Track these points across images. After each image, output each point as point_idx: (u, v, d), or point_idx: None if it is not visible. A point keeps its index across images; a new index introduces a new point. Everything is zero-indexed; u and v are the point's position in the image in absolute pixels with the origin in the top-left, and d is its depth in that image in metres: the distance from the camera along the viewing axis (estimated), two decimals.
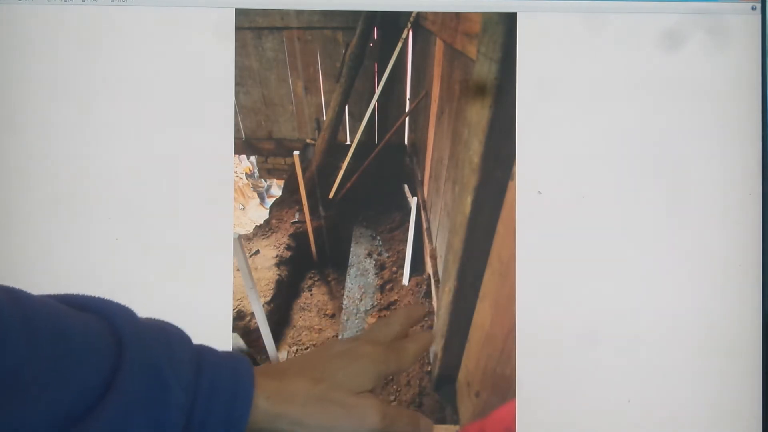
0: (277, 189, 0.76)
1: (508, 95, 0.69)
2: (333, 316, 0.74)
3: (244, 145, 0.73)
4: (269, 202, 0.76)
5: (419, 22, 0.72)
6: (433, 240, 0.76)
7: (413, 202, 0.75)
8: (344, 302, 0.74)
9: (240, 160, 0.74)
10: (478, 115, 0.70)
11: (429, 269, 0.75)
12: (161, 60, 0.70)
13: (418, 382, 0.72)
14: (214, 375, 0.41)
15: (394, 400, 0.72)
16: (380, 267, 0.75)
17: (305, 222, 0.75)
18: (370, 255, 0.75)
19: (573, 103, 0.69)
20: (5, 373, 0.35)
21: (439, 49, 0.74)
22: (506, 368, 0.69)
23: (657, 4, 0.69)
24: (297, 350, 0.73)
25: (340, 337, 0.74)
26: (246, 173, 0.75)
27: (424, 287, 0.74)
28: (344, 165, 0.75)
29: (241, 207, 0.74)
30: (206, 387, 0.40)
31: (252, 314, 0.72)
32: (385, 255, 0.75)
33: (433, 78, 0.75)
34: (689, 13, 0.69)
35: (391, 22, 0.72)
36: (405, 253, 0.75)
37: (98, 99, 0.70)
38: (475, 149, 0.70)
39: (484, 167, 0.70)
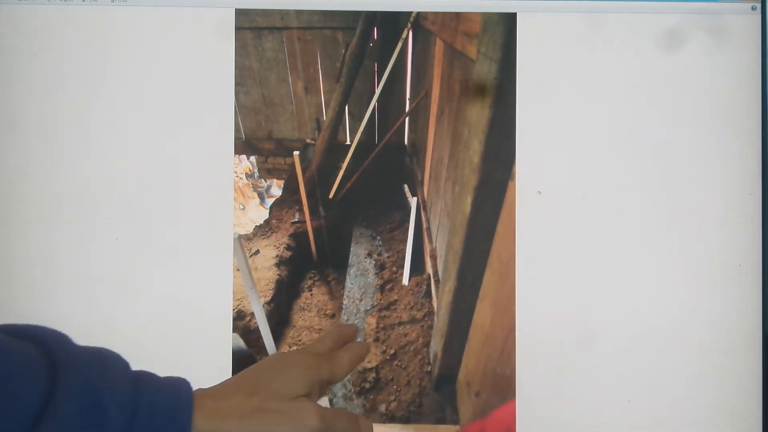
0: (277, 189, 0.76)
1: (508, 95, 0.69)
2: (333, 316, 0.74)
3: (244, 145, 0.73)
4: (269, 202, 0.76)
5: (419, 22, 0.72)
6: (433, 240, 0.76)
7: (413, 202, 0.75)
8: (344, 302, 0.74)
9: (240, 160, 0.74)
10: (478, 115, 0.70)
11: (429, 269, 0.75)
12: (161, 60, 0.70)
13: (418, 382, 0.72)
14: (153, 396, 0.41)
15: (394, 400, 0.72)
16: (380, 267, 0.75)
17: (305, 222, 0.75)
18: (370, 255, 0.75)
19: (573, 103, 0.69)
20: None
21: (439, 49, 0.74)
22: (506, 368, 0.69)
23: (657, 4, 0.69)
24: None
25: None
26: (246, 173, 0.75)
27: (424, 287, 0.74)
28: (344, 165, 0.75)
29: (241, 207, 0.74)
30: (145, 407, 0.40)
31: (252, 314, 0.72)
32: (385, 255, 0.75)
33: (433, 78, 0.75)
34: (689, 13, 0.69)
35: (391, 22, 0.72)
36: (405, 253, 0.75)
37: (98, 99, 0.70)
38: (475, 149, 0.70)
39: (484, 167, 0.70)
